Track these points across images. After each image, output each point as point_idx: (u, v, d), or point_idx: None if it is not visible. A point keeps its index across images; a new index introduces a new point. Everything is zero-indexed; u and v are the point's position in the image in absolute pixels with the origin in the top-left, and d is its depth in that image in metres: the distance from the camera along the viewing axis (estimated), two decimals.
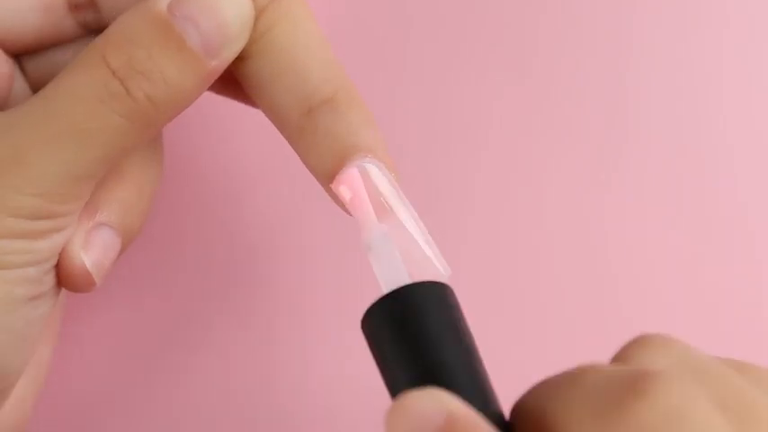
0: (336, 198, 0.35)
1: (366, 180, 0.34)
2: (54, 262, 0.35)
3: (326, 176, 0.35)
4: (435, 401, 0.26)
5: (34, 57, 0.38)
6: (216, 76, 0.34)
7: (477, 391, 0.29)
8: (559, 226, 0.44)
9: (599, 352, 0.30)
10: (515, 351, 0.42)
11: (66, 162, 0.33)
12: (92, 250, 0.36)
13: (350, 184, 0.34)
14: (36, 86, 0.38)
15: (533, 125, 0.44)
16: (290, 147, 0.36)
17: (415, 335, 0.29)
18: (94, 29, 0.38)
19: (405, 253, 0.34)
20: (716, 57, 0.45)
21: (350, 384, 0.42)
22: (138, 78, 0.33)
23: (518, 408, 0.28)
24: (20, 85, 0.38)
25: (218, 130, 0.44)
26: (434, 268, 0.34)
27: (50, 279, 0.35)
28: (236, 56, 0.34)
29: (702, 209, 0.44)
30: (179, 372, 0.43)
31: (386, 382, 0.30)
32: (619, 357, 0.29)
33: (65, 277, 0.36)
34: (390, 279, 0.32)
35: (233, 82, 0.37)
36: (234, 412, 0.42)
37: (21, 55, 0.38)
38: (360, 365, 0.39)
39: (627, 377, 0.26)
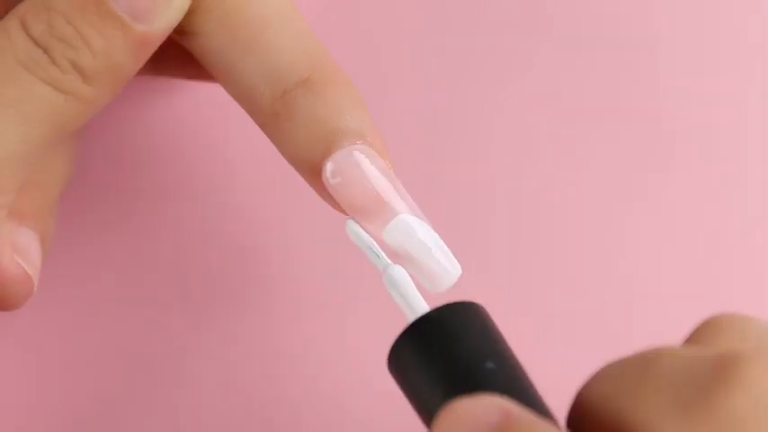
0: (323, 192, 0.32)
1: (356, 172, 0.32)
2: None
3: (309, 168, 0.32)
4: (488, 402, 0.26)
5: None
6: (152, 47, 0.32)
7: (525, 398, 0.28)
8: (564, 221, 0.43)
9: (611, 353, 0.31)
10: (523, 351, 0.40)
11: None
12: (26, 255, 0.34)
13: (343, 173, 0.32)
14: None
15: (537, 122, 0.43)
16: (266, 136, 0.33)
17: (451, 357, 0.29)
18: None
19: (407, 252, 0.32)
20: (735, 53, 0.44)
21: (346, 376, 0.41)
22: (61, 46, 0.31)
23: (581, 404, 0.27)
24: None
25: (202, 120, 0.43)
26: (441, 267, 0.32)
27: None
28: (175, 23, 0.32)
29: (714, 208, 0.43)
30: (168, 373, 0.41)
31: (424, 415, 0.29)
32: (692, 340, 0.27)
33: (1, 288, 0.34)
34: (411, 309, 0.31)
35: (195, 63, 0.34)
36: (226, 410, 0.41)
37: None
38: (354, 356, 0.41)
39: (709, 363, 0.24)
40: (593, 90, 0.43)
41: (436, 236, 0.32)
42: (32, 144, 0.31)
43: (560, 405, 0.29)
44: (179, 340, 0.41)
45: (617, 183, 0.43)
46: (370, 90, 0.35)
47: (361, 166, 0.31)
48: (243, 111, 0.36)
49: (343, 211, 0.32)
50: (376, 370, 0.39)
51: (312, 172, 0.32)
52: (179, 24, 0.32)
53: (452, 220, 0.36)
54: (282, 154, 0.32)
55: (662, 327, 0.42)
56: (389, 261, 0.32)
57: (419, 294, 0.31)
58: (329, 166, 0.31)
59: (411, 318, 0.30)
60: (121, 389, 0.41)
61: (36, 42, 0.31)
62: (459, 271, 0.32)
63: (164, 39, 0.32)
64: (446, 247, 0.32)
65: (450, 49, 0.43)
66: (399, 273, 0.31)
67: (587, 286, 0.42)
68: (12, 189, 0.32)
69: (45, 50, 0.31)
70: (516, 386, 0.29)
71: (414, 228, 0.32)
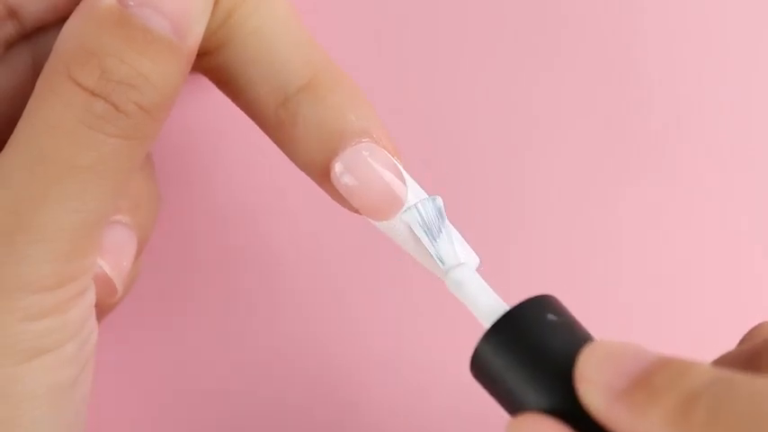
0: (334, 193, 0.32)
1: (364, 169, 0.31)
2: (89, 328, 0.32)
3: (318, 171, 0.32)
4: (635, 346, 0.26)
5: None
6: (194, 55, 0.30)
7: None
8: (560, 220, 0.43)
9: None
10: None
11: (76, 210, 0.29)
12: (107, 253, 0.32)
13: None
14: None
15: (535, 121, 0.44)
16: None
17: (552, 345, 0.28)
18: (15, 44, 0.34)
19: (425, 244, 0.32)
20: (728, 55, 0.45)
21: (373, 388, 0.41)
22: (120, 89, 0.29)
23: None
24: None
25: (235, 132, 0.43)
26: (458, 259, 0.32)
27: (90, 347, 0.32)
28: (206, 22, 0.30)
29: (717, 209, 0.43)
30: (170, 376, 0.42)
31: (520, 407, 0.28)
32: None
33: None
34: (492, 309, 0.30)
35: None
36: (231, 412, 0.41)
37: None
38: (384, 365, 0.41)
39: None
40: (587, 91, 0.43)
41: (450, 226, 0.32)
42: (116, 195, 0.30)
43: None
44: (184, 342, 0.41)
45: (611, 183, 0.43)
46: (371, 92, 0.35)
47: (369, 163, 0.31)
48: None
49: (355, 211, 0.32)
50: (389, 372, 0.41)
51: (321, 174, 0.32)
52: None
53: (456, 215, 0.36)
54: (292, 161, 0.32)
55: (659, 322, 0.42)
56: (453, 263, 0.31)
57: (492, 291, 0.31)
58: (337, 167, 0.31)
59: (488, 319, 0.30)
60: (125, 391, 0.41)
61: (93, 93, 0.29)
62: (477, 260, 0.32)
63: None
64: (461, 237, 0.32)
65: (447, 51, 0.43)
66: (471, 271, 0.31)
67: (583, 285, 0.42)
68: (99, 245, 0.31)
69: (106, 99, 0.29)
70: None
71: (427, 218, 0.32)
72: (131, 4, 0.29)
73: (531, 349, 0.28)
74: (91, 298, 0.31)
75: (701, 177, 0.43)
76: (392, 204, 0.32)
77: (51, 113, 0.29)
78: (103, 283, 0.32)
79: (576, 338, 0.28)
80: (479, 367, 0.29)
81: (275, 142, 0.32)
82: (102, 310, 0.33)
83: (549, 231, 0.43)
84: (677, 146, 0.43)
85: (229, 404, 0.41)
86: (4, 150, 0.30)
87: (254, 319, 0.42)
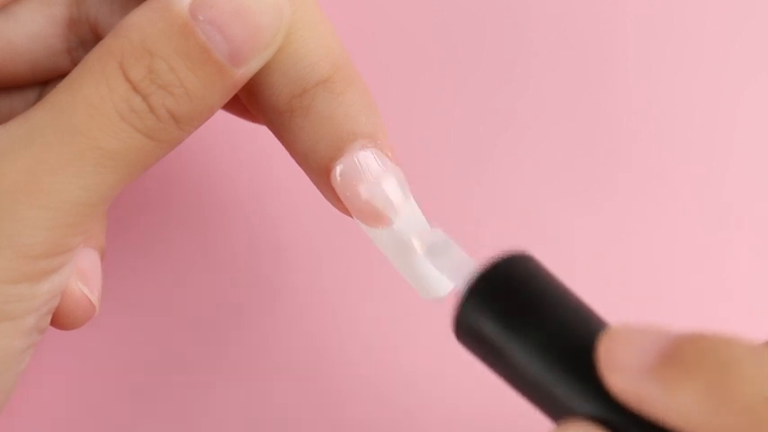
0: (328, 192, 0.32)
1: (366, 175, 0.31)
2: (52, 306, 0.32)
3: (318, 167, 0.32)
4: (658, 325, 0.25)
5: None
6: (242, 85, 0.31)
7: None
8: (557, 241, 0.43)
9: None
10: None
11: (84, 188, 0.30)
12: (89, 280, 0.33)
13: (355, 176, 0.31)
14: None
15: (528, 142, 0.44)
16: (275, 136, 0.33)
17: (540, 298, 0.26)
18: None
19: (406, 254, 0.32)
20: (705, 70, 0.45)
21: (376, 386, 0.41)
22: (160, 94, 0.30)
23: None
24: None
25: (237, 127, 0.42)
26: (437, 275, 0.32)
27: (46, 323, 0.32)
28: (264, 62, 0.31)
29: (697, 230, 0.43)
30: (178, 381, 0.41)
31: (520, 365, 0.26)
32: None
33: (65, 316, 0.33)
34: (467, 270, 0.28)
35: None
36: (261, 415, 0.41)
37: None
38: (386, 366, 0.41)
39: None
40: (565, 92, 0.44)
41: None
42: (120, 187, 0.31)
43: None
44: (184, 347, 0.41)
45: (589, 184, 0.43)
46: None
47: (371, 170, 0.31)
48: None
49: (348, 214, 0.32)
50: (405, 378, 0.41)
51: (321, 171, 0.32)
52: None
53: (450, 228, 0.36)
54: (291, 152, 0.32)
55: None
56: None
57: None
58: (339, 168, 0.31)
59: (463, 279, 0.27)
60: (130, 398, 0.41)
61: (135, 88, 0.30)
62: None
63: None
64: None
65: (439, 56, 0.44)
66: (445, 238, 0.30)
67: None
68: (88, 230, 0.32)
69: (144, 98, 0.30)
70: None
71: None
72: (201, 18, 0.29)
73: (529, 314, 0.26)
74: (63, 278, 0.32)
75: (680, 175, 0.43)
76: (386, 214, 0.32)
77: (93, 92, 0.30)
78: (87, 309, 0.33)
79: (579, 310, 0.26)
80: (469, 321, 0.27)
81: (278, 131, 0.32)
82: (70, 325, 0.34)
83: (529, 232, 0.43)
84: (654, 146, 0.43)
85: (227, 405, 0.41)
86: (37, 108, 0.30)
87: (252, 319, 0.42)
